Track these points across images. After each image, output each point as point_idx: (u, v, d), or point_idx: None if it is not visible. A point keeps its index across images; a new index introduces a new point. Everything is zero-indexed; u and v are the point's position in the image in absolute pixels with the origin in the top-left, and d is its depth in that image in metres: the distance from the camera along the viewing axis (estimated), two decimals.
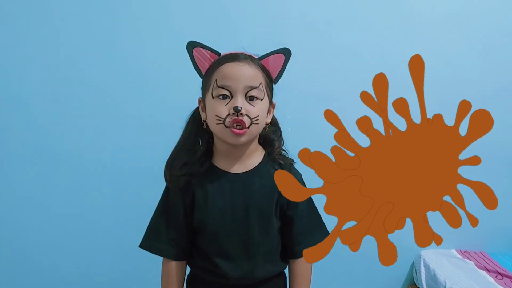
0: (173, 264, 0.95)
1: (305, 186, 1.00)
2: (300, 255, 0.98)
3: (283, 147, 0.99)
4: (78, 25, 1.62)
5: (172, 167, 0.92)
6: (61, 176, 1.71)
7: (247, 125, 0.83)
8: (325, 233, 1.01)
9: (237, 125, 0.83)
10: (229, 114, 0.83)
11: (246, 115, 0.83)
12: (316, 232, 0.99)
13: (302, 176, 1.00)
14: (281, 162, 0.95)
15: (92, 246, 1.77)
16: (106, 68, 1.65)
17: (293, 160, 0.98)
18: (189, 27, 1.63)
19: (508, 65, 1.80)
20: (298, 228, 0.97)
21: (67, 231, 1.75)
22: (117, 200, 1.73)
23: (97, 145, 1.69)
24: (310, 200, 1.00)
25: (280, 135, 1.00)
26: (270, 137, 0.97)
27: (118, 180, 1.72)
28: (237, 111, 0.81)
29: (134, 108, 1.68)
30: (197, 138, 0.93)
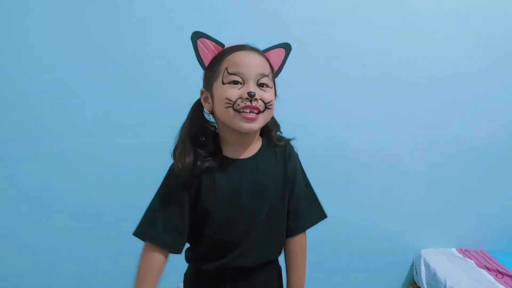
0: (158, 255, 0.90)
1: (301, 166, 1.01)
2: (298, 233, 0.99)
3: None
4: (79, 25, 1.62)
5: (184, 159, 0.87)
6: (61, 176, 1.71)
7: (261, 109, 0.84)
8: (322, 213, 1.03)
9: (250, 111, 0.83)
10: (240, 98, 0.83)
11: (261, 99, 0.84)
12: (313, 211, 1.01)
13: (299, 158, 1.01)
14: (279, 144, 0.96)
15: (93, 245, 1.77)
16: (106, 68, 1.65)
17: (289, 140, 0.99)
18: (189, 27, 1.62)
19: (508, 64, 1.80)
20: (296, 206, 0.98)
21: (67, 230, 1.75)
22: (117, 199, 1.73)
23: (98, 144, 1.69)
24: (306, 180, 1.02)
25: (277, 125, 1.00)
26: (267, 126, 0.97)
27: (119, 179, 1.72)
28: (251, 96, 0.82)
29: (134, 107, 1.68)
30: (203, 129, 0.92)
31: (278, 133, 1.00)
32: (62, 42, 1.62)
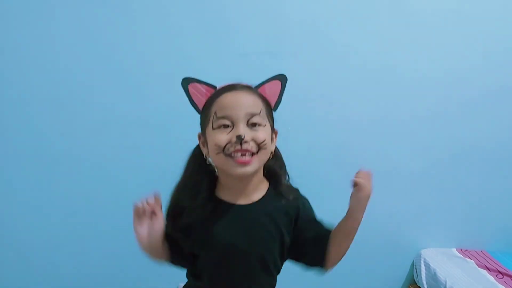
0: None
1: (313, 210, 0.97)
2: (330, 229, 0.93)
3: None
4: (78, 26, 1.62)
5: (174, 214, 0.87)
6: (61, 176, 1.71)
7: (254, 150, 0.80)
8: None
9: (241, 155, 0.79)
10: (230, 142, 0.79)
11: (252, 140, 0.80)
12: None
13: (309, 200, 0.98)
14: (286, 195, 0.91)
15: (92, 246, 1.77)
16: (106, 69, 1.65)
17: (297, 190, 0.96)
18: (189, 27, 1.62)
19: (508, 65, 1.80)
20: (316, 232, 0.93)
21: (66, 231, 1.75)
22: (117, 200, 1.73)
23: (97, 145, 1.69)
24: (317, 219, 0.98)
25: (284, 168, 0.95)
26: (275, 170, 0.93)
27: (118, 180, 1.72)
28: (240, 139, 0.78)
29: (134, 108, 1.68)
30: (200, 177, 0.88)
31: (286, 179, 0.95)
32: (61, 44, 1.62)
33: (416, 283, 1.88)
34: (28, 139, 1.67)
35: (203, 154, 0.89)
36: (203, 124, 0.87)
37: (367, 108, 1.78)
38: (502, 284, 1.61)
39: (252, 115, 0.81)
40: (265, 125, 0.83)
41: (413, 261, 1.93)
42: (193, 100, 0.88)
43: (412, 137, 1.82)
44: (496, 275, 1.69)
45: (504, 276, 1.67)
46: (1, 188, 1.71)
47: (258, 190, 0.90)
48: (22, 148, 1.67)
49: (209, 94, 0.87)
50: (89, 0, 1.60)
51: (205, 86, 0.87)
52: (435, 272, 1.72)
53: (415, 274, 1.89)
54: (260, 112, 0.82)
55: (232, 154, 0.79)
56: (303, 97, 1.72)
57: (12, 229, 1.74)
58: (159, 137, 1.61)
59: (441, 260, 1.79)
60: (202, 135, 0.88)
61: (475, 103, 1.82)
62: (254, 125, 0.81)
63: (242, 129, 0.79)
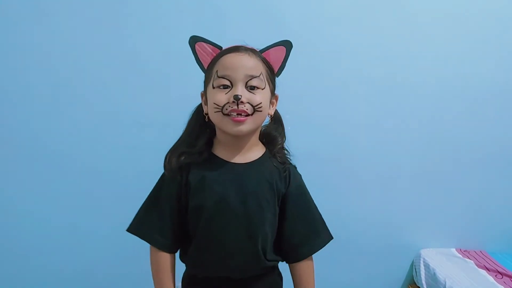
0: (163, 254, 0.93)
1: (305, 186, 0.99)
2: (299, 259, 0.97)
3: (285, 147, 0.99)
4: (77, 25, 1.61)
5: (171, 157, 0.91)
6: (60, 176, 1.71)
7: (249, 112, 0.83)
8: (324, 239, 0.99)
9: (237, 114, 0.83)
10: (228, 103, 0.83)
11: (248, 103, 0.83)
12: (316, 237, 0.97)
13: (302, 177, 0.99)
14: (281, 159, 0.95)
15: (91, 247, 1.77)
16: (106, 68, 1.65)
17: (295, 167, 0.98)
18: (188, 26, 1.62)
19: (508, 64, 1.80)
20: (293, 229, 0.95)
21: (65, 231, 1.75)
22: (116, 200, 1.73)
23: (97, 145, 1.69)
24: (309, 203, 0.99)
25: (283, 132, 0.99)
26: (272, 134, 0.97)
27: (118, 180, 1.72)
28: (237, 99, 0.81)
29: (133, 108, 1.68)
30: (199, 132, 0.93)
31: (285, 149, 0.98)
32: (61, 42, 1.62)
33: (415, 283, 1.88)
34: (26, 140, 1.67)
35: (203, 112, 0.92)
36: (206, 83, 0.90)
37: (367, 107, 1.77)
38: (502, 284, 1.61)
39: (251, 77, 0.84)
40: (263, 88, 0.87)
41: (413, 261, 1.93)
42: (199, 59, 0.92)
43: (413, 137, 1.82)
44: (496, 275, 1.69)
45: (504, 277, 1.67)
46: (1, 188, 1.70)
47: (254, 151, 0.93)
48: (20, 148, 1.67)
49: (214, 54, 0.90)
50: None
51: (211, 46, 0.91)
52: (434, 272, 1.72)
53: (414, 274, 1.89)
54: (259, 75, 0.85)
55: (229, 114, 0.83)
56: (303, 95, 1.73)
57: (11, 229, 1.74)
58: (159, 137, 1.61)
59: (441, 260, 1.79)
60: (204, 94, 0.91)
61: (475, 103, 1.82)
62: (253, 87, 0.85)
63: (240, 90, 0.83)
